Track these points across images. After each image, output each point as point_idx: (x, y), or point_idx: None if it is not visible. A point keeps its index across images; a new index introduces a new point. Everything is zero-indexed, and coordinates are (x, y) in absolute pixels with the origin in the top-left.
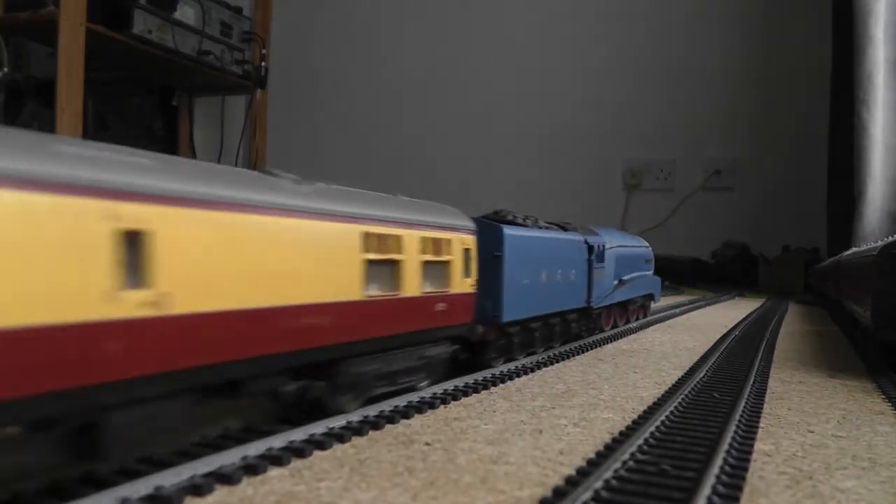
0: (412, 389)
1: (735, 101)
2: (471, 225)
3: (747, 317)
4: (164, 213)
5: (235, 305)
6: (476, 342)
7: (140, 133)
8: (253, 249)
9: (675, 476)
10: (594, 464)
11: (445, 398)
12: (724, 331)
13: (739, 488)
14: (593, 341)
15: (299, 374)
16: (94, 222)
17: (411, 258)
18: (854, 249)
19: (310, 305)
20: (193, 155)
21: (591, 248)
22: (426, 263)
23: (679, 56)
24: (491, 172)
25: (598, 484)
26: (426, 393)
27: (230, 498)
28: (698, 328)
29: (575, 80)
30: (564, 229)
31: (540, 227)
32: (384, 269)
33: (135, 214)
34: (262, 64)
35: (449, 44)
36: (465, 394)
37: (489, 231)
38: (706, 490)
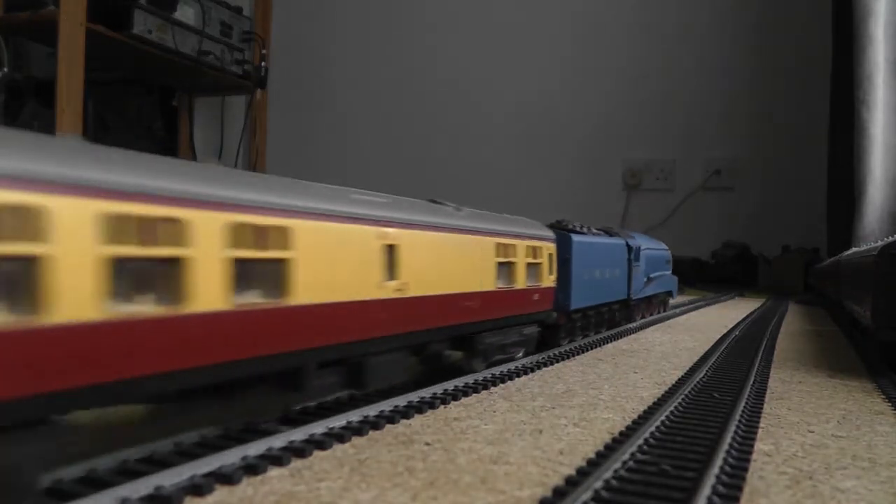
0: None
1: (735, 101)
2: (552, 235)
3: (747, 317)
4: (403, 234)
5: (433, 292)
6: (550, 325)
7: (140, 133)
8: (440, 255)
9: (675, 476)
10: (594, 464)
11: (445, 398)
12: (724, 331)
13: (739, 488)
14: (593, 341)
15: (453, 343)
16: (373, 240)
17: (521, 261)
18: (854, 249)
19: (468, 293)
20: (193, 155)
21: (629, 249)
22: (528, 264)
23: (679, 56)
24: (492, 172)
25: (598, 484)
26: (426, 393)
27: (230, 498)
28: (698, 328)
29: (575, 80)
30: (609, 234)
31: (593, 234)
32: (505, 268)
33: (391, 235)
34: (262, 64)
35: (449, 43)
36: (465, 394)
37: (562, 239)
38: (706, 490)
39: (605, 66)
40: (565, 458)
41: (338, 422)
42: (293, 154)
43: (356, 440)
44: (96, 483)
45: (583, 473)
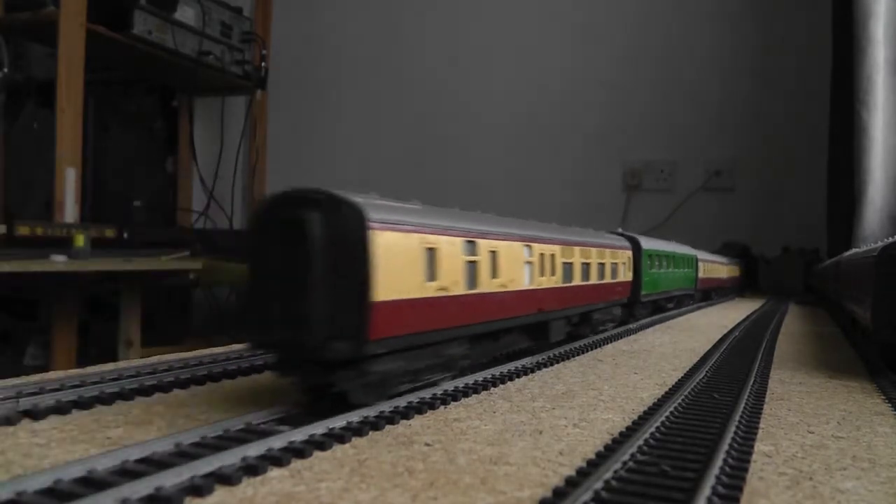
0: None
1: (735, 101)
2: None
3: (747, 317)
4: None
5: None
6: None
7: (140, 133)
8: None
9: (675, 477)
10: (594, 464)
11: (445, 398)
12: (724, 332)
13: (739, 489)
14: (593, 341)
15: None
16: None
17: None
18: (854, 250)
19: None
20: (194, 155)
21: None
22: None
23: (679, 56)
24: (492, 172)
25: (598, 485)
26: (426, 393)
27: (230, 498)
28: (698, 329)
29: (575, 81)
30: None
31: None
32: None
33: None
34: (262, 64)
35: (449, 43)
36: (465, 394)
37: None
38: (706, 491)
39: (605, 67)
40: (565, 459)
41: (338, 422)
42: (293, 154)
43: (356, 441)
44: (96, 483)
45: (583, 474)
